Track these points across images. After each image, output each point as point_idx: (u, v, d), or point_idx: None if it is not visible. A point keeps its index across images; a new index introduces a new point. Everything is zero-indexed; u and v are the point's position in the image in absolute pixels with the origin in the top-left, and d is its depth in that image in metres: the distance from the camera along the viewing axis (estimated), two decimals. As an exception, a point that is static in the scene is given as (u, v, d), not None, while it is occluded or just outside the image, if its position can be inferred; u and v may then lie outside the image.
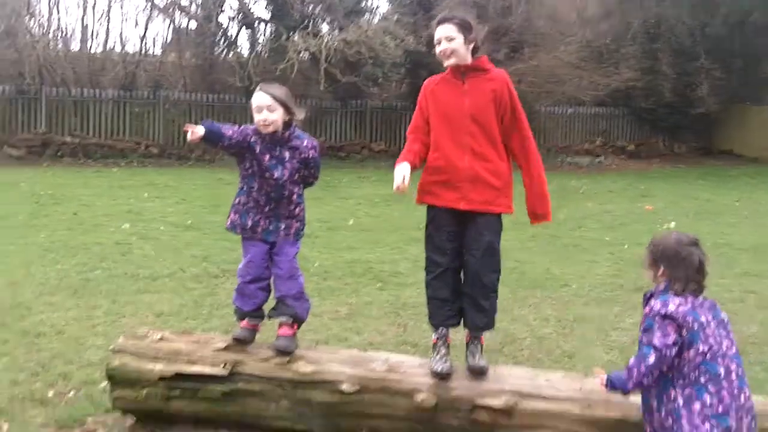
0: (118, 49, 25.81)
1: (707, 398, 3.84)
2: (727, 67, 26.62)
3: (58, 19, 28.03)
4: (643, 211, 15.30)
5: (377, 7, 25.53)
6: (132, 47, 26.33)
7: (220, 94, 24.39)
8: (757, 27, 26.19)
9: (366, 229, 12.64)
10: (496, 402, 4.62)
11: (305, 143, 5.10)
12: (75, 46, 25.56)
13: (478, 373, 4.77)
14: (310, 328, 6.86)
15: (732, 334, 4.04)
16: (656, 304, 3.98)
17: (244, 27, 25.17)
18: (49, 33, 24.98)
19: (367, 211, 14.53)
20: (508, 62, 22.98)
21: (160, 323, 7.07)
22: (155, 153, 23.12)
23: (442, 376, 4.77)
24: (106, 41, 26.05)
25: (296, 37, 21.41)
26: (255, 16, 24.84)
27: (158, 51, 26.59)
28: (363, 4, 25.16)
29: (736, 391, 3.87)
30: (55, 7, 28.04)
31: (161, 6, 25.35)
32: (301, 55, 21.96)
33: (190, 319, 7.38)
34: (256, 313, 5.13)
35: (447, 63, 4.92)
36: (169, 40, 26.64)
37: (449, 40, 4.86)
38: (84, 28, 25.33)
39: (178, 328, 5.83)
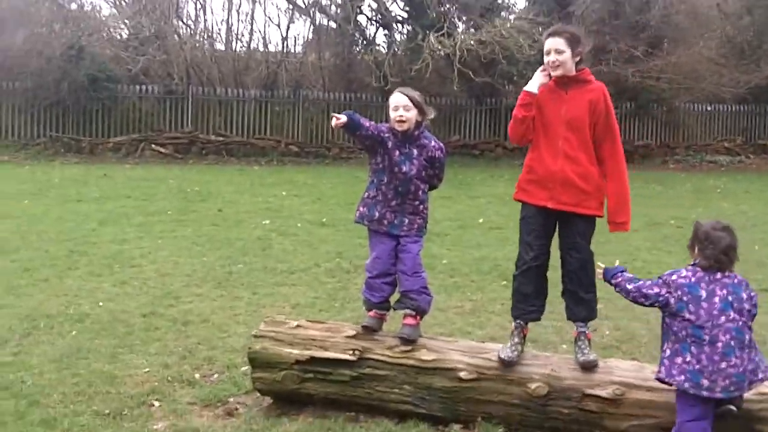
0: (261, 49, 26.69)
1: (688, 356, 4.50)
2: None
3: (204, 21, 29.12)
4: (779, 213, 14.99)
5: (514, 3, 25.44)
6: (274, 47, 26.96)
7: (357, 93, 25.01)
8: None
9: (496, 227, 12.83)
10: (604, 392, 4.94)
11: (432, 144, 5.57)
12: (220, 46, 26.62)
13: (589, 368, 5.10)
14: (435, 322, 7.25)
15: (748, 311, 4.56)
16: (670, 271, 4.72)
17: (381, 27, 25.72)
18: (196, 34, 26.14)
19: (497, 210, 14.68)
20: (646, 58, 22.79)
21: (296, 314, 7.49)
22: (294, 151, 23.89)
23: (505, 363, 5.16)
24: (249, 41, 26.85)
25: (431, 38, 21.74)
26: (393, 15, 25.33)
27: (299, 50, 27.37)
28: (500, 1, 25.28)
29: (717, 357, 4.44)
30: (202, 10, 29.06)
31: (302, 7, 26.12)
32: (436, 54, 22.28)
33: (324, 311, 7.84)
34: (383, 305, 5.55)
35: (554, 73, 5.31)
36: (309, 40, 27.41)
37: (558, 53, 5.24)
38: (229, 28, 26.28)
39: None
